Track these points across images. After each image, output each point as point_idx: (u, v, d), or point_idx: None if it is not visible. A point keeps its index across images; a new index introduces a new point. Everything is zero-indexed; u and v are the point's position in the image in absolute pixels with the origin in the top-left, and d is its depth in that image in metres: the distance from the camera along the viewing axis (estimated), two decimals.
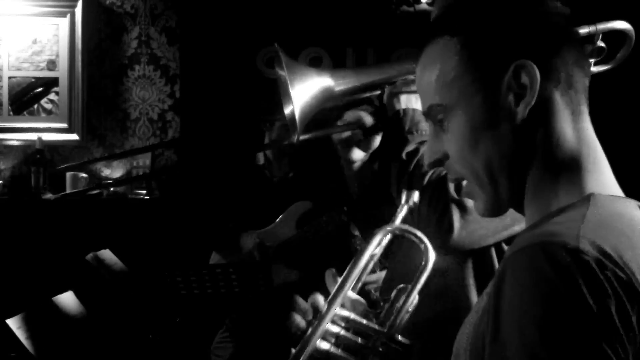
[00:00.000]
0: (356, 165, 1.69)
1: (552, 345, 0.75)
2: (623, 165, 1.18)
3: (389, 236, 1.17)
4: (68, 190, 4.17)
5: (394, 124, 1.56)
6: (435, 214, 1.49)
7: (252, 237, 3.24)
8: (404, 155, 1.54)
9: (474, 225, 1.46)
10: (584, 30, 1.42)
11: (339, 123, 1.60)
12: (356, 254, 1.15)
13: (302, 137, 1.47)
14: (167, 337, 2.56)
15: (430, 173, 1.49)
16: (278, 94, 1.55)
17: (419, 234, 1.15)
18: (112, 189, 4.26)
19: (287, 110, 1.47)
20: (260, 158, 3.42)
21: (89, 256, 2.52)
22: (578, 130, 0.93)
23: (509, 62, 0.91)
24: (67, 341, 2.27)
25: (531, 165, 0.93)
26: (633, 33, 1.47)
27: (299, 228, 3.35)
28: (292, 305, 1.09)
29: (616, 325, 0.76)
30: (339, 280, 1.13)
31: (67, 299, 2.34)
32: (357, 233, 2.53)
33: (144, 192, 4.26)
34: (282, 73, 1.45)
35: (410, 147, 1.54)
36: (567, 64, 0.93)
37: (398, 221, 1.19)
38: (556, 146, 0.92)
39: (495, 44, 0.92)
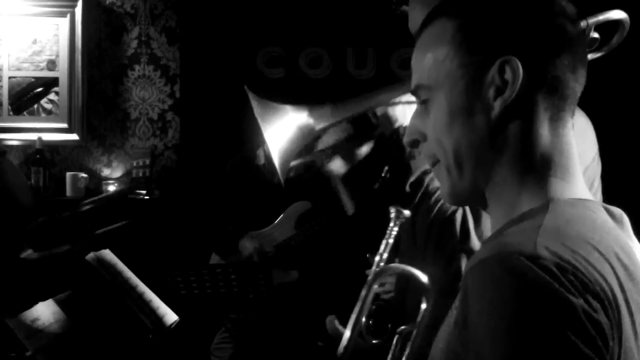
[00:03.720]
0: (337, 175, 1.62)
1: (525, 352, 0.75)
2: (621, 163, 1.18)
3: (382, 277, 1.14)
4: (68, 192, 4.17)
5: (392, 145, 1.50)
6: (442, 258, 1.45)
7: (251, 241, 3.24)
8: (407, 187, 1.49)
9: None
10: None
11: (320, 146, 1.54)
12: (358, 301, 1.13)
13: (292, 164, 1.41)
14: (167, 337, 2.56)
15: (437, 208, 1.42)
16: (277, 93, 1.52)
17: (418, 273, 1.12)
18: (112, 189, 4.26)
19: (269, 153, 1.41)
20: (261, 158, 3.41)
21: (89, 256, 2.52)
22: (555, 136, 0.91)
23: (498, 55, 0.90)
24: (67, 341, 2.27)
25: (499, 161, 0.91)
26: (628, 21, 1.44)
27: (298, 228, 3.35)
28: None
29: (586, 325, 0.75)
30: (347, 331, 1.13)
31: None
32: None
33: (144, 192, 4.26)
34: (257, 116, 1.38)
35: (413, 178, 1.49)
36: (558, 67, 0.91)
37: (385, 257, 1.17)
38: (527, 148, 0.91)
39: (489, 34, 0.91)
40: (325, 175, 1.62)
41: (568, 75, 0.91)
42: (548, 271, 0.77)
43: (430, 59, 0.95)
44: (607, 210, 0.91)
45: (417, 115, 0.99)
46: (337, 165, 1.59)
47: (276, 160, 1.32)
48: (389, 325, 2.26)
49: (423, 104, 0.98)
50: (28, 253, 3.20)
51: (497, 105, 0.90)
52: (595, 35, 1.39)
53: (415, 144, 1.00)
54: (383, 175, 2.38)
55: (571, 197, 0.90)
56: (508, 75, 0.89)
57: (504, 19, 0.91)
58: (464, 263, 1.42)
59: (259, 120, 1.34)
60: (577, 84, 0.93)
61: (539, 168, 0.91)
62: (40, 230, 3.08)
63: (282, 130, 1.34)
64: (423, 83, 0.97)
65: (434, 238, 1.43)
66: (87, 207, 3.07)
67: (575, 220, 0.85)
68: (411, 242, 1.51)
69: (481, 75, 0.91)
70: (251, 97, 1.36)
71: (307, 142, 1.36)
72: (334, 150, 1.55)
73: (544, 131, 0.91)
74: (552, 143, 0.91)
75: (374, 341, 2.25)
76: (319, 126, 1.39)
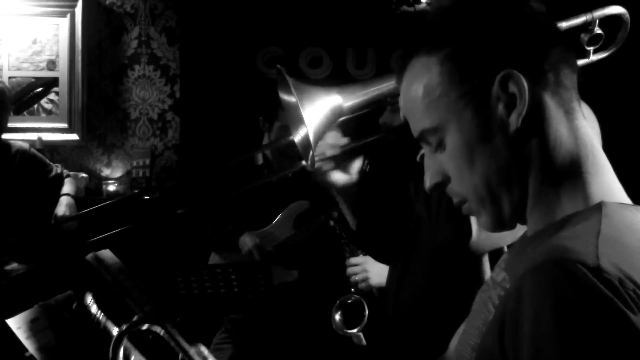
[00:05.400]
0: (339, 185, 1.62)
1: None
2: (623, 159, 1.18)
3: None
4: None
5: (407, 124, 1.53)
6: (452, 220, 1.48)
7: (251, 237, 3.24)
8: (418, 157, 1.51)
9: None
10: (581, 19, 1.40)
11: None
12: None
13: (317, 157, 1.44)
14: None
15: None
16: (278, 94, 1.53)
17: None
18: (112, 189, 4.26)
19: (297, 136, 1.41)
20: (260, 158, 3.42)
21: (89, 256, 2.52)
22: (573, 129, 0.91)
23: (494, 73, 0.88)
24: (68, 341, 2.27)
25: (530, 174, 0.90)
26: (628, 16, 1.45)
27: (296, 228, 3.35)
28: None
29: None
30: None
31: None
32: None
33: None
34: (288, 97, 1.39)
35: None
36: (553, 63, 0.90)
37: None
38: (553, 151, 0.90)
39: (478, 55, 0.90)
40: (324, 186, 1.64)
41: (563, 65, 0.91)
42: (611, 287, 0.75)
43: (425, 99, 0.93)
44: None
45: (430, 158, 0.97)
46: (337, 177, 1.61)
47: (312, 138, 1.33)
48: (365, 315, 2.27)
49: (433, 146, 0.95)
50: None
51: (514, 120, 0.88)
52: (599, 31, 1.40)
53: (438, 187, 0.97)
54: (363, 167, 2.38)
55: (614, 196, 0.89)
56: (512, 88, 0.88)
57: (487, 37, 0.90)
58: (473, 222, 1.46)
59: (297, 98, 1.34)
60: (572, 72, 0.93)
61: (570, 168, 0.90)
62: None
63: (317, 108, 1.37)
64: (426, 128, 0.94)
65: (447, 202, 1.46)
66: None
67: (629, 230, 0.84)
68: (425, 210, 1.55)
69: (484, 97, 0.89)
70: (288, 77, 1.38)
71: (336, 121, 1.39)
72: (335, 160, 1.56)
73: (563, 129, 0.90)
74: (575, 138, 0.90)
75: (348, 331, 2.25)
76: (347, 104, 1.40)
